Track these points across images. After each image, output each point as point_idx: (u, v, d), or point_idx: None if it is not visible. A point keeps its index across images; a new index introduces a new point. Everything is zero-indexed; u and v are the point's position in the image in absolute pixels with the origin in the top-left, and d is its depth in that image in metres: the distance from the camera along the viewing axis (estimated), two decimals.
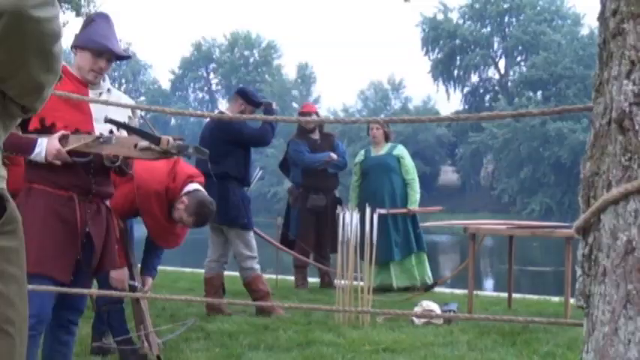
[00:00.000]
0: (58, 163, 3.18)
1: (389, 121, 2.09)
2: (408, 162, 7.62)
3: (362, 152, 7.92)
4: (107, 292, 3.19)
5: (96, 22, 3.42)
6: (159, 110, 2.55)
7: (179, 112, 2.61)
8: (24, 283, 1.32)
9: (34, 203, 3.18)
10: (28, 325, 3.03)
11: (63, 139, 3.19)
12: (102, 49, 3.33)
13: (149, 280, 4.61)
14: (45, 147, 3.17)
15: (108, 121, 3.23)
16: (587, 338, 1.23)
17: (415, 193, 7.52)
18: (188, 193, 4.19)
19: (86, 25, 3.42)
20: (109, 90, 3.47)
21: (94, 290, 3.13)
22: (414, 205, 7.50)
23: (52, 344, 3.38)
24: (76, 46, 3.40)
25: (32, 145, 3.18)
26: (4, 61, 1.24)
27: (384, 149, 7.61)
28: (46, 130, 3.21)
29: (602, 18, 1.20)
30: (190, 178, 4.27)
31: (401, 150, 7.68)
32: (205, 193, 4.29)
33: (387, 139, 7.65)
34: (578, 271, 1.25)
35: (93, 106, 3.32)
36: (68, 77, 3.31)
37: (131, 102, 3.69)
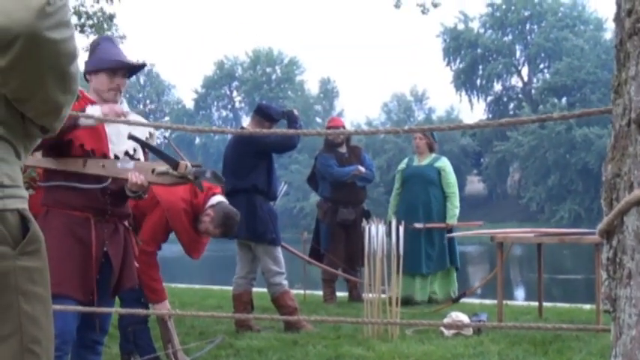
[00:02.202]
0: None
1: (408, 131, 2.08)
2: (450, 175, 7.55)
3: (405, 160, 7.88)
4: (132, 311, 3.19)
5: (101, 44, 3.44)
6: (180, 128, 2.57)
7: (200, 129, 2.63)
8: (49, 302, 1.33)
9: (50, 225, 3.20)
10: (54, 346, 3.06)
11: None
12: (116, 66, 3.36)
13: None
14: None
15: (131, 137, 3.25)
16: (614, 343, 1.21)
17: (454, 207, 7.45)
18: (212, 206, 4.29)
19: (93, 50, 3.43)
20: (127, 112, 3.48)
21: (120, 309, 3.14)
22: (452, 219, 7.43)
23: None
24: (88, 72, 3.41)
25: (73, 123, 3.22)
26: (22, 83, 1.26)
27: (426, 160, 7.57)
28: (64, 144, 3.23)
29: (617, 18, 1.19)
30: (211, 191, 4.35)
31: (444, 162, 7.62)
32: (228, 204, 4.38)
33: (430, 149, 7.61)
34: (604, 275, 1.23)
35: (109, 128, 3.35)
36: (85, 102, 3.32)
37: (149, 129, 3.66)
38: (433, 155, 7.63)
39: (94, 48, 3.44)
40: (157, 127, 3.22)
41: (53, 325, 3.06)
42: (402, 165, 7.80)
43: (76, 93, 1.36)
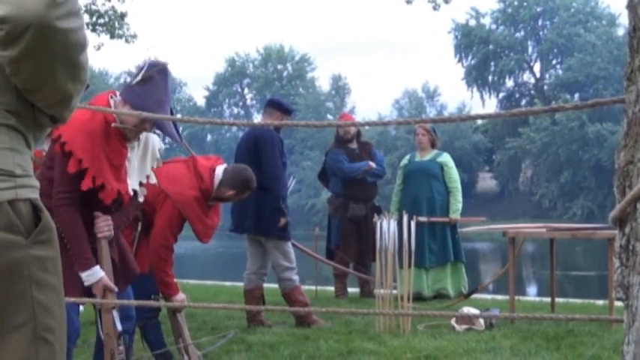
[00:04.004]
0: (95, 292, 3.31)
1: (420, 121, 2.08)
2: (452, 170, 7.56)
3: (407, 157, 7.90)
4: (145, 303, 3.21)
5: (154, 81, 3.31)
6: (192, 121, 2.58)
7: (211, 120, 2.64)
8: (61, 291, 1.34)
9: None
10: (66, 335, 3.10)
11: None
12: (152, 122, 3.31)
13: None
14: (97, 280, 3.28)
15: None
16: (627, 330, 1.20)
17: (457, 202, 7.45)
18: (223, 181, 4.34)
19: (144, 81, 3.31)
20: (139, 138, 3.49)
21: (132, 301, 3.15)
22: (455, 214, 7.43)
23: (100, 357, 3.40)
24: (124, 101, 3.32)
25: (89, 264, 3.28)
26: (33, 72, 1.27)
27: (428, 155, 7.58)
28: (97, 189, 3.26)
29: (630, 5, 1.18)
30: (212, 168, 4.39)
31: (446, 158, 7.63)
32: (231, 167, 4.51)
33: (433, 145, 7.62)
34: (616, 263, 1.23)
35: (128, 164, 3.40)
36: (113, 131, 3.30)
37: (160, 144, 3.70)
38: (435, 151, 7.63)
39: (147, 78, 3.31)
40: (169, 121, 3.24)
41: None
42: (404, 161, 7.81)
43: (86, 82, 1.37)
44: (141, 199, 3.60)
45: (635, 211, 1.16)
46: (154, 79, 3.31)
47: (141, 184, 3.52)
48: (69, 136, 3.22)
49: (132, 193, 3.44)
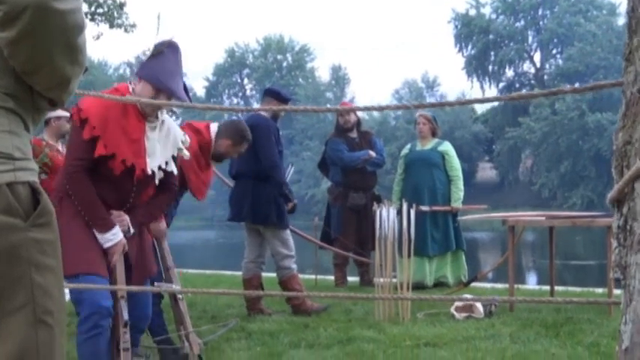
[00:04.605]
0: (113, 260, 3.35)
1: (419, 106, 2.08)
2: (454, 159, 7.56)
3: (408, 146, 7.90)
4: (146, 288, 3.22)
5: (164, 55, 3.39)
6: (190, 106, 2.58)
7: (210, 106, 2.63)
8: (60, 274, 1.34)
9: (67, 211, 3.28)
10: (92, 324, 3.12)
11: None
12: (164, 90, 3.36)
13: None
14: (117, 241, 3.33)
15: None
16: (624, 310, 1.20)
17: (459, 190, 7.46)
18: (219, 133, 4.69)
19: (154, 56, 3.40)
20: (162, 122, 3.53)
21: (133, 287, 3.16)
22: (457, 202, 7.44)
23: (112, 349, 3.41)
24: (139, 76, 3.40)
25: (108, 225, 3.32)
26: (31, 54, 1.27)
27: (429, 144, 7.57)
28: (108, 157, 3.31)
29: None
30: (207, 125, 4.70)
31: (447, 146, 7.62)
32: (224, 123, 4.84)
33: (433, 134, 7.62)
34: (614, 243, 1.23)
35: (148, 143, 3.42)
36: (131, 108, 3.37)
37: (181, 135, 3.72)
38: (436, 140, 7.62)
39: (157, 52, 3.40)
40: (168, 106, 3.26)
41: (87, 303, 3.15)
42: (405, 150, 7.80)
43: (84, 65, 1.36)
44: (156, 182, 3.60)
45: (632, 191, 1.16)
46: (164, 53, 3.39)
47: (160, 168, 3.53)
48: (86, 104, 3.32)
49: (149, 172, 3.45)
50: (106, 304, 3.22)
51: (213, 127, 4.69)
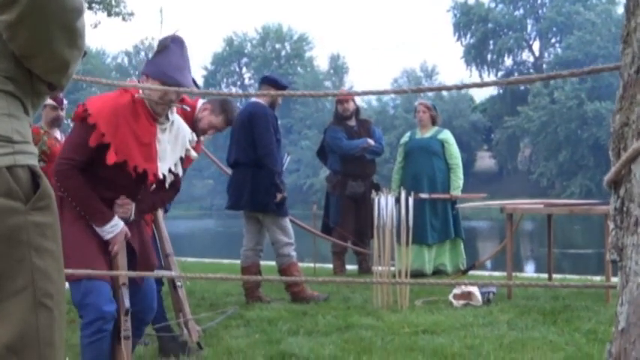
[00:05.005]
0: (115, 249, 3.30)
1: (416, 90, 2.08)
2: (453, 147, 7.56)
3: (407, 134, 7.90)
4: (143, 274, 3.21)
5: (170, 49, 3.31)
6: (188, 91, 2.58)
7: (207, 92, 2.63)
8: (60, 258, 1.34)
9: (66, 211, 3.25)
10: (96, 329, 3.12)
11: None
12: (172, 84, 3.25)
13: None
14: (118, 232, 3.28)
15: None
16: (621, 291, 1.21)
17: (458, 178, 7.46)
18: (205, 102, 4.56)
19: (160, 52, 3.32)
20: (172, 122, 3.46)
21: (130, 272, 3.16)
22: (456, 190, 7.44)
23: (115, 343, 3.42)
24: (145, 73, 3.32)
25: (107, 217, 3.27)
26: (30, 37, 1.26)
27: (429, 132, 7.58)
28: (121, 164, 3.24)
29: None
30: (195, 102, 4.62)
31: (446, 134, 7.63)
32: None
33: (433, 122, 7.62)
34: (611, 225, 1.23)
35: (159, 146, 3.35)
36: (141, 109, 3.28)
37: (190, 135, 3.62)
38: (436, 128, 7.63)
39: (161, 49, 3.32)
40: (166, 91, 3.22)
41: (91, 308, 3.13)
42: (405, 138, 7.80)
43: (83, 49, 1.36)
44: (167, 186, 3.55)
45: (629, 172, 1.17)
46: (169, 48, 3.31)
47: (170, 170, 3.46)
48: (95, 108, 3.23)
49: (161, 177, 3.39)
50: (109, 309, 3.22)
51: (199, 102, 4.64)
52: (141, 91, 3.31)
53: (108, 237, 3.28)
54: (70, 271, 2.77)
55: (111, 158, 3.19)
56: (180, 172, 3.58)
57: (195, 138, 3.73)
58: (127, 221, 3.39)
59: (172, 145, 3.45)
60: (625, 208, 1.17)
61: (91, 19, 14.19)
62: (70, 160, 3.25)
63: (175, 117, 3.50)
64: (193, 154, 3.64)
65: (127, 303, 3.33)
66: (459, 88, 1.71)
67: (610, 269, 5.33)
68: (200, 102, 4.66)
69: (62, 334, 1.34)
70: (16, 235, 1.24)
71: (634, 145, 1.13)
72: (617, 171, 1.19)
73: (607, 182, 1.23)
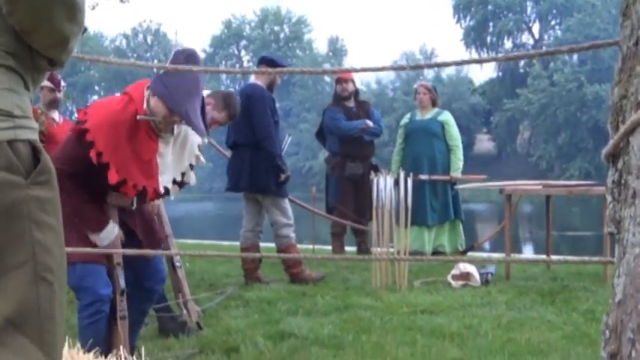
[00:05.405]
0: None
1: (415, 67, 2.07)
2: (453, 129, 7.56)
3: (408, 115, 7.90)
4: (141, 252, 3.22)
5: (184, 72, 3.10)
6: (187, 69, 2.57)
7: (207, 69, 2.62)
8: (61, 232, 1.34)
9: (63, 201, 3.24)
10: (94, 310, 3.14)
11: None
12: (177, 113, 3.14)
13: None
14: (115, 238, 3.27)
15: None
16: (618, 263, 1.22)
17: (458, 160, 7.47)
18: (209, 95, 4.36)
19: (172, 72, 3.13)
20: (179, 133, 3.35)
21: (129, 250, 3.17)
22: (456, 172, 7.45)
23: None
24: (153, 92, 3.17)
25: (104, 224, 3.24)
26: (29, 12, 1.26)
27: (429, 114, 7.57)
28: (121, 183, 3.20)
29: None
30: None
31: (447, 116, 7.63)
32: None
33: (434, 104, 7.62)
34: (609, 198, 1.24)
35: (160, 160, 3.28)
36: (143, 124, 3.18)
37: (198, 140, 3.48)
38: (436, 109, 7.62)
39: (175, 61, 3.14)
40: (160, 68, 3.20)
41: (88, 291, 3.15)
42: (405, 120, 7.80)
43: (83, 25, 1.35)
44: (172, 198, 3.52)
45: (627, 145, 1.17)
46: (183, 64, 3.12)
47: (175, 181, 3.41)
48: (94, 123, 3.13)
49: (162, 191, 3.34)
50: (105, 292, 3.25)
51: (207, 92, 4.52)
52: (145, 106, 3.18)
53: (103, 244, 3.23)
54: (69, 249, 2.78)
55: (112, 178, 3.13)
56: (191, 181, 3.49)
57: (206, 140, 3.64)
58: (128, 209, 3.38)
59: (177, 155, 3.35)
60: (623, 181, 1.18)
61: (89, 1, 14.11)
62: (61, 170, 3.22)
63: (182, 129, 3.35)
64: (202, 159, 3.53)
65: (122, 283, 3.35)
66: (458, 64, 1.71)
67: (608, 246, 5.35)
68: (205, 94, 4.60)
69: (63, 309, 1.34)
70: (16, 209, 1.24)
71: (632, 118, 1.13)
72: (615, 144, 1.19)
73: (605, 155, 1.23)
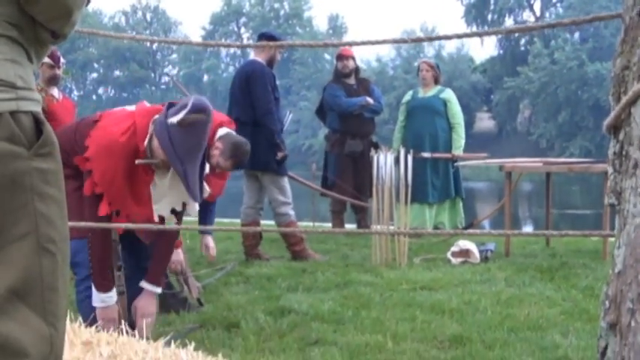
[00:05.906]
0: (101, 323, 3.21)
1: (416, 40, 2.07)
2: (455, 106, 7.54)
3: (410, 92, 7.89)
4: (143, 226, 3.22)
5: (193, 128, 3.03)
6: (186, 42, 2.56)
7: (206, 43, 2.61)
8: (63, 204, 1.34)
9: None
10: (88, 284, 3.17)
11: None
12: (176, 169, 3.11)
13: (210, 241, 5.02)
14: (111, 306, 3.27)
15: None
16: (618, 234, 1.22)
17: (460, 138, 7.46)
18: (221, 137, 4.25)
19: (181, 125, 3.04)
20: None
21: (129, 225, 3.17)
22: (458, 150, 7.44)
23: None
24: (157, 136, 3.11)
25: (107, 288, 3.26)
26: None
27: (431, 91, 7.55)
28: (114, 213, 3.23)
29: None
30: (220, 125, 4.32)
31: (449, 94, 7.61)
32: (236, 134, 4.37)
33: (436, 81, 7.60)
34: (610, 170, 1.24)
35: (153, 190, 3.28)
36: (141, 157, 3.16)
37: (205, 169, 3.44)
38: (438, 87, 7.60)
39: (187, 122, 3.04)
40: (152, 42, 3.17)
41: (84, 267, 3.16)
42: (407, 97, 7.78)
43: None
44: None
45: (629, 115, 1.17)
46: (193, 127, 3.05)
47: (174, 211, 3.39)
48: (95, 151, 3.16)
49: (157, 219, 3.32)
50: None
51: (220, 132, 4.30)
52: (146, 143, 3.16)
53: (99, 305, 3.25)
54: (70, 223, 2.78)
55: (103, 209, 3.17)
56: (192, 212, 3.50)
57: (209, 171, 3.56)
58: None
59: (177, 186, 3.29)
60: (624, 152, 1.18)
61: None
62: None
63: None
64: (207, 190, 3.43)
65: (119, 259, 3.37)
66: (459, 37, 1.70)
67: (608, 223, 5.36)
68: (218, 133, 4.30)
69: (65, 280, 1.35)
70: (19, 180, 1.24)
71: (634, 88, 1.12)
72: (616, 115, 1.19)
73: (606, 127, 1.23)
